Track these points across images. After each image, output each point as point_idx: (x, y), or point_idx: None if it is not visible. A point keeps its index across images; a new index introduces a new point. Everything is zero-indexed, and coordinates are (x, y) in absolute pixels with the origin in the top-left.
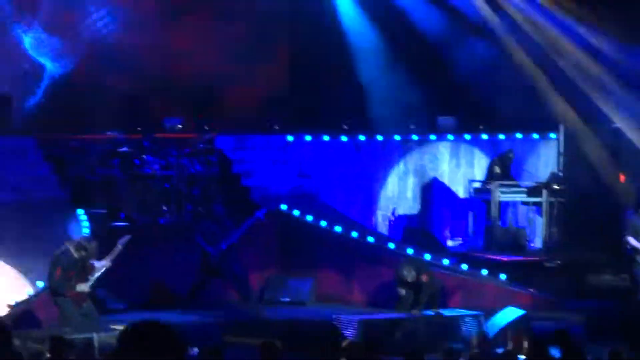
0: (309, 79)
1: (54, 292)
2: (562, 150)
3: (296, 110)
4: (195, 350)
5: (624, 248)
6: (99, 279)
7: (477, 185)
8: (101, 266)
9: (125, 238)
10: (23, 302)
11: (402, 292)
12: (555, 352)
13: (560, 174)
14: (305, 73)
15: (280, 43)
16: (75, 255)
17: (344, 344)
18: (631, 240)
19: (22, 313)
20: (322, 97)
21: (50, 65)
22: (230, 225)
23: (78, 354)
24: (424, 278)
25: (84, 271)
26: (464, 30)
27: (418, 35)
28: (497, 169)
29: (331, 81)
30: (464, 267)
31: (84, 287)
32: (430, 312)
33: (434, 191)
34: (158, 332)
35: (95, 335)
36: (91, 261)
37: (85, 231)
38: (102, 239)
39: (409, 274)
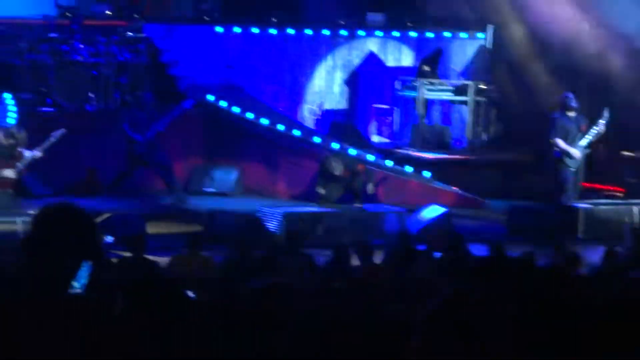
0: None
1: None
2: (489, 50)
3: (226, 2)
4: (110, 238)
5: (552, 150)
6: (27, 167)
7: (404, 82)
8: (31, 155)
9: (60, 131)
10: None
11: (322, 191)
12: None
13: (487, 73)
14: None
15: None
16: (4, 142)
17: (266, 235)
18: (559, 142)
19: None
20: None
21: None
22: (157, 114)
23: None
24: (359, 167)
25: (12, 158)
26: None
27: None
28: (426, 67)
29: None
30: (389, 163)
31: (9, 173)
32: (353, 208)
33: (360, 87)
34: (70, 215)
35: (18, 219)
36: (20, 149)
37: (12, 115)
38: (33, 128)
39: (337, 167)
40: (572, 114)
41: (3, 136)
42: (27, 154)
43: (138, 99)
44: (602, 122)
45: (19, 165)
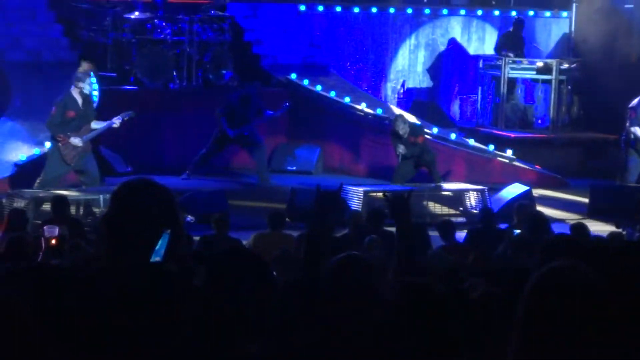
0: None
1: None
2: (573, 29)
3: None
4: (190, 217)
5: (625, 135)
6: (95, 138)
7: (487, 60)
8: (100, 126)
9: (128, 113)
10: (31, 162)
11: (400, 148)
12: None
13: (571, 52)
14: None
15: None
16: (77, 97)
17: (348, 214)
18: (637, 130)
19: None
20: None
21: None
22: (255, 112)
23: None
24: (419, 139)
25: (83, 120)
26: None
27: None
28: (506, 40)
29: None
30: (471, 141)
31: (77, 141)
32: (434, 186)
33: (443, 66)
34: (149, 190)
35: (101, 196)
36: (92, 121)
37: (95, 93)
38: (114, 106)
39: (403, 127)
40: None
41: (77, 92)
42: (96, 125)
43: (243, 94)
44: None
45: (89, 134)
